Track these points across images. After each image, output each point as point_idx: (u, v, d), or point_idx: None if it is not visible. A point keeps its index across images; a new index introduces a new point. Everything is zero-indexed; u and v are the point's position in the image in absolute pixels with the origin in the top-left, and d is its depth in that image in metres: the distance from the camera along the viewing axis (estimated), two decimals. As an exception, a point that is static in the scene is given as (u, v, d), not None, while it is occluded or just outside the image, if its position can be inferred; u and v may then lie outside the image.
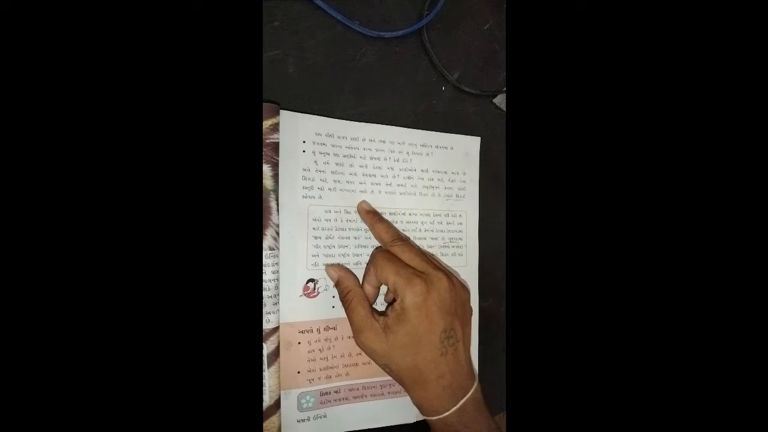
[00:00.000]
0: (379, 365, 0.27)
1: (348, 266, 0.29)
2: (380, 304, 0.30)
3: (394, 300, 0.26)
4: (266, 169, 0.26)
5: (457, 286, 0.27)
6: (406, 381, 0.26)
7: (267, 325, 0.26)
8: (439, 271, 0.26)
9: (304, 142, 0.28)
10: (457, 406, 0.25)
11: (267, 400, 0.26)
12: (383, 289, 0.30)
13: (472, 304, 0.33)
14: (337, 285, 0.28)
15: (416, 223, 0.32)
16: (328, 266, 0.28)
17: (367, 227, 0.30)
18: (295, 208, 0.28)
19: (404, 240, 0.28)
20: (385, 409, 0.30)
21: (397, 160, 0.31)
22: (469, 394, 0.26)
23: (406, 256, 0.27)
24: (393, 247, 0.28)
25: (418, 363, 0.25)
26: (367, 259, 0.30)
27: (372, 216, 0.29)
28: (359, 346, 0.27)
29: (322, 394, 0.29)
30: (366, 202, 0.30)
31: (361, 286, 0.28)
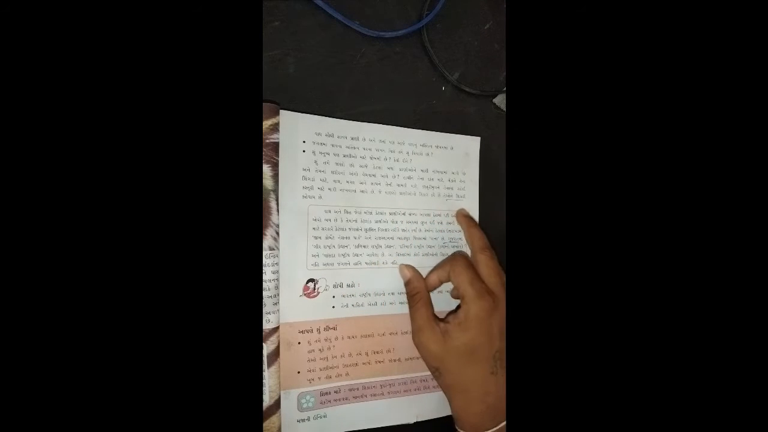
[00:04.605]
0: (429, 367, 0.28)
1: (348, 266, 0.30)
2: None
3: (459, 307, 0.28)
4: (266, 169, 0.26)
5: None
6: (452, 388, 0.27)
7: (267, 325, 0.26)
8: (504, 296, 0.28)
9: (304, 142, 0.28)
10: (496, 428, 0.26)
11: (267, 400, 0.26)
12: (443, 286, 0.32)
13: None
14: (407, 284, 0.30)
15: (416, 223, 0.32)
16: (402, 265, 0.30)
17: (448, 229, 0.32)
18: (295, 208, 0.28)
19: (492, 253, 0.30)
20: (385, 409, 0.30)
21: (397, 160, 0.31)
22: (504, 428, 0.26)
23: (485, 270, 0.28)
24: (480, 255, 0.29)
25: (469, 374, 0.26)
26: (367, 259, 0.30)
27: (468, 220, 0.32)
28: (416, 345, 0.28)
29: (322, 394, 0.29)
30: (464, 209, 0.33)
31: (427, 276, 0.30)
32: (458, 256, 0.30)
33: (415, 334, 0.28)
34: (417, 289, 0.29)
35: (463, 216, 0.32)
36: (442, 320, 0.28)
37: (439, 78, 0.32)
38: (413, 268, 0.30)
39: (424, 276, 0.30)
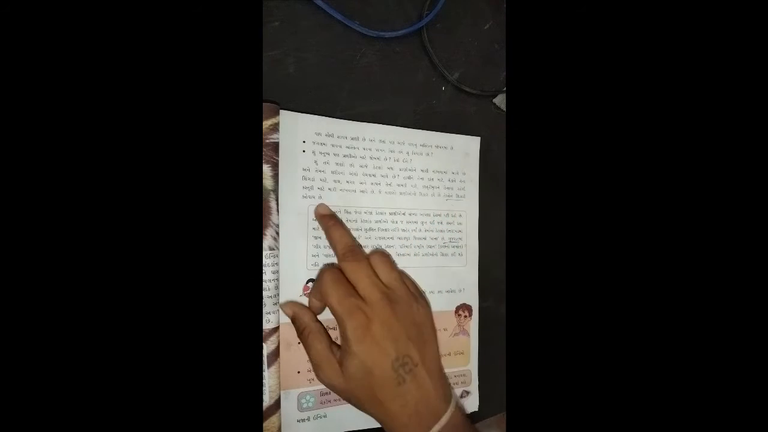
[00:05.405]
0: (344, 399, 0.26)
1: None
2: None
3: (348, 327, 0.25)
4: (266, 169, 0.26)
5: (406, 308, 0.26)
6: (371, 413, 0.25)
7: (267, 325, 0.26)
8: (383, 296, 0.25)
9: (304, 142, 0.28)
10: None
11: (267, 400, 0.26)
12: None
13: (471, 304, 0.33)
14: (293, 321, 0.27)
15: (416, 223, 0.32)
16: (282, 304, 0.27)
17: (324, 230, 0.28)
18: (295, 208, 0.28)
19: (356, 254, 0.27)
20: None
21: (397, 160, 0.31)
22: (444, 419, 0.25)
23: (351, 278, 0.26)
24: (342, 263, 0.27)
25: (377, 395, 0.24)
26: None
27: (327, 220, 0.28)
28: (321, 383, 0.26)
29: (322, 394, 0.29)
30: (324, 205, 0.28)
31: (309, 302, 0.27)
32: (324, 272, 0.26)
33: (315, 372, 0.26)
34: (304, 324, 0.26)
35: (321, 215, 0.28)
36: (339, 346, 0.26)
37: (439, 78, 0.32)
38: (295, 304, 0.27)
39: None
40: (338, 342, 0.27)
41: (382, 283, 0.26)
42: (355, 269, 0.26)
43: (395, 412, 0.24)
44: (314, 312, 0.27)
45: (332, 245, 0.28)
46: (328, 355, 0.25)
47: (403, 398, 0.24)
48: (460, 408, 0.27)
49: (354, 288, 0.26)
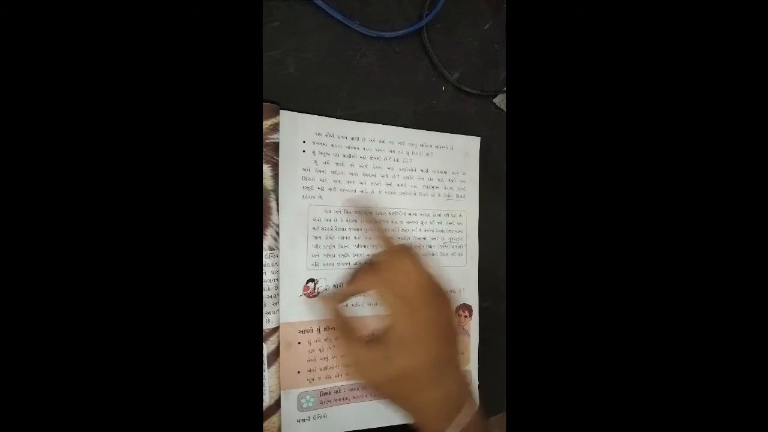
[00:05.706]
0: (374, 396, 0.27)
1: (348, 266, 0.29)
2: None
3: (386, 327, 0.25)
4: (266, 169, 0.26)
5: (440, 302, 0.27)
6: (400, 405, 0.26)
7: (267, 325, 0.26)
8: (422, 292, 0.26)
9: (304, 142, 0.28)
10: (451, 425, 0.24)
11: (267, 400, 0.26)
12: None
13: (471, 304, 0.33)
14: (331, 320, 0.27)
15: (416, 223, 0.32)
16: (322, 300, 0.27)
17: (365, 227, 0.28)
18: (295, 208, 0.28)
19: (395, 250, 0.27)
20: (385, 409, 0.30)
21: (397, 160, 0.31)
22: (465, 409, 0.25)
23: (392, 271, 0.26)
24: (382, 257, 0.27)
25: (410, 389, 0.25)
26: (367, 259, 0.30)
27: (365, 215, 0.28)
28: (354, 380, 0.26)
29: (322, 394, 0.29)
30: (357, 200, 0.28)
31: (346, 288, 0.27)
32: (363, 267, 0.27)
33: (350, 371, 0.26)
34: (341, 322, 0.27)
35: (357, 213, 0.27)
36: (371, 340, 0.26)
37: (439, 78, 0.32)
38: (331, 300, 0.27)
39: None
40: (370, 337, 0.27)
41: (418, 278, 0.27)
42: (394, 264, 0.26)
43: (422, 405, 0.25)
44: (343, 298, 0.27)
45: (372, 239, 0.28)
46: (364, 352, 0.26)
47: (432, 392, 0.25)
48: (476, 402, 0.27)
49: (393, 283, 0.26)
